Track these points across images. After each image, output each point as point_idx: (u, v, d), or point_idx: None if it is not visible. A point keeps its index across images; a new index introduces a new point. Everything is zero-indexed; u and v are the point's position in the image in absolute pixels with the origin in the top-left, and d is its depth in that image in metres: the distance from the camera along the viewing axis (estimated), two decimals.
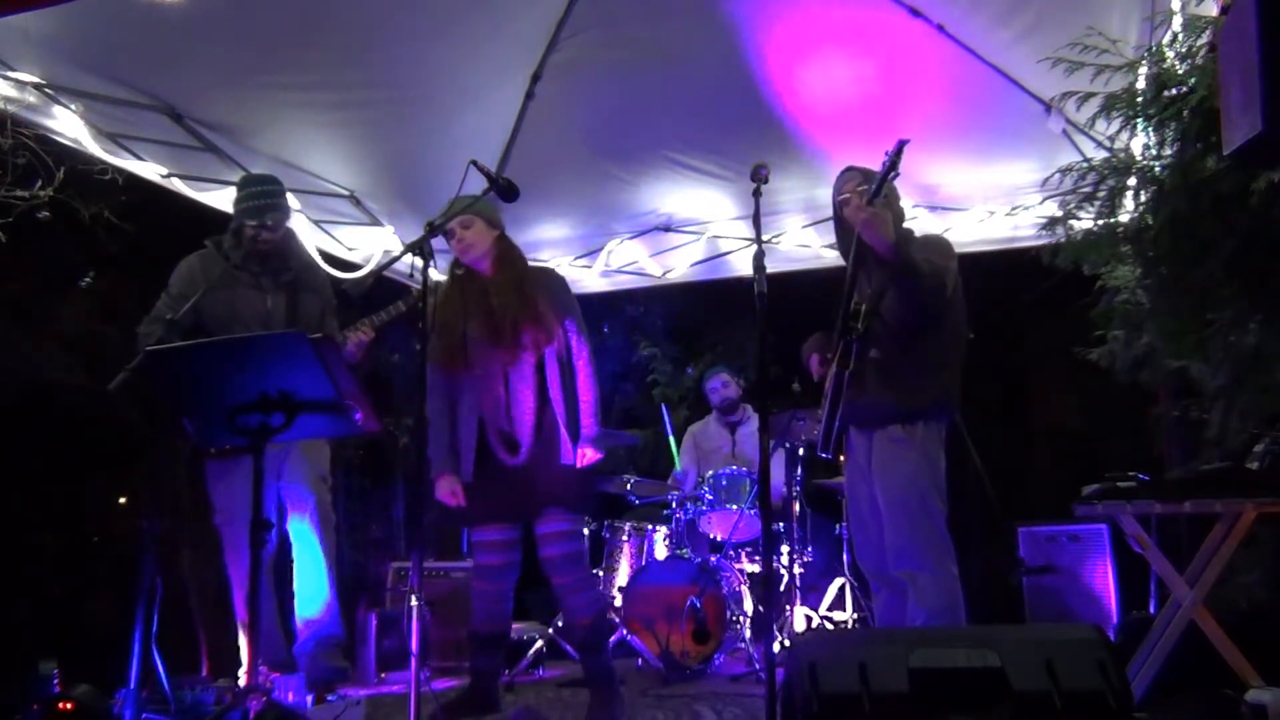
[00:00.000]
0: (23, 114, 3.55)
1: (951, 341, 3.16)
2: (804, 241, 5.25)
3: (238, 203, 3.64)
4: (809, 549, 4.86)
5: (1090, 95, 3.45)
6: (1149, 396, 4.40)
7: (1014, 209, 4.84)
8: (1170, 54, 3.26)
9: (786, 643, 4.25)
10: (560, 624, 4.45)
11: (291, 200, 3.91)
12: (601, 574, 4.71)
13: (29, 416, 4.91)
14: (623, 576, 4.68)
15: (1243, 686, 2.73)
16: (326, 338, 2.63)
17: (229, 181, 4.04)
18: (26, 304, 5.11)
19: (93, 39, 3.46)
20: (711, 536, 4.86)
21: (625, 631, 4.32)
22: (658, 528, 4.82)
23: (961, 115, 4.32)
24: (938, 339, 3.12)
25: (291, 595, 3.69)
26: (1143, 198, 3.45)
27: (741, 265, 5.48)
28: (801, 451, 4.72)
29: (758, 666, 4.10)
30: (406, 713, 2.53)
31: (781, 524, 4.68)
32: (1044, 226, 3.84)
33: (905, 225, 3.29)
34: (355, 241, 5.07)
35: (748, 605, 4.46)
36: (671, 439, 5.51)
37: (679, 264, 5.56)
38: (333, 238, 5.01)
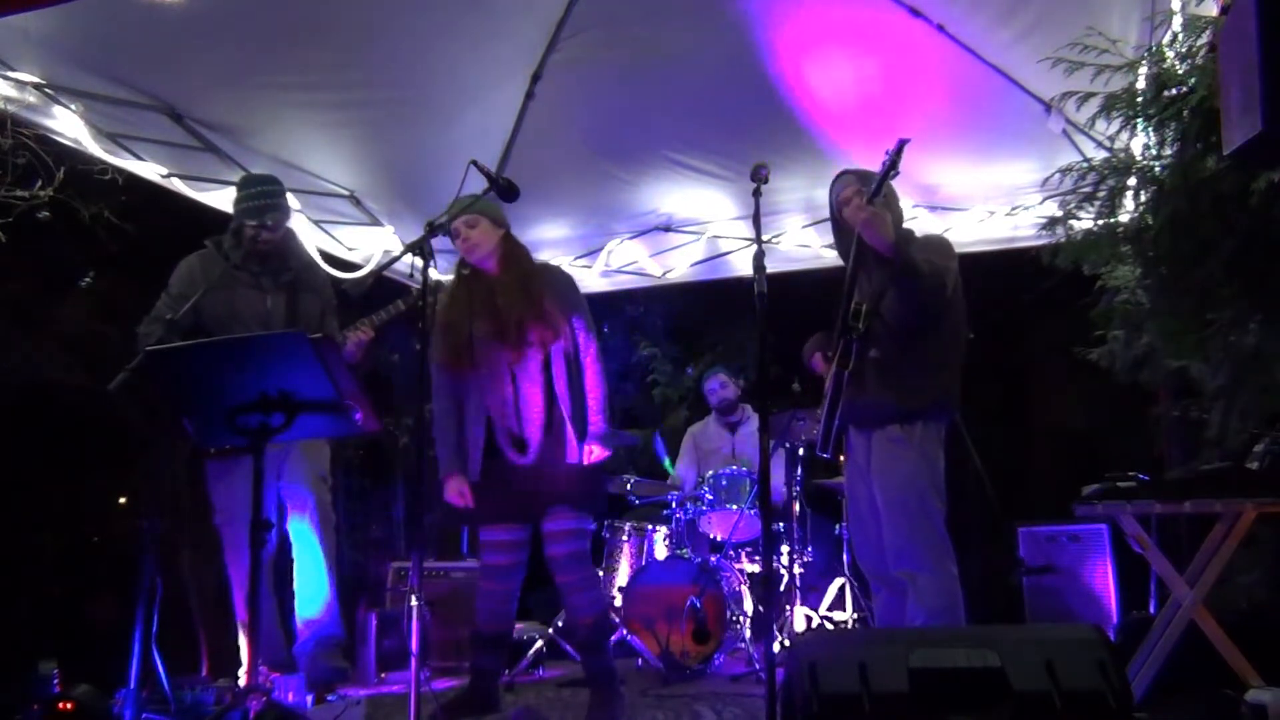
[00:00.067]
0: (23, 114, 3.55)
1: (951, 341, 3.16)
2: (804, 241, 5.25)
3: (238, 203, 3.64)
4: (809, 549, 4.86)
5: (1090, 95, 3.45)
6: (1149, 396, 4.41)
7: (1014, 209, 4.84)
8: (1170, 54, 3.26)
9: (786, 643, 4.25)
10: (561, 624, 4.45)
11: (291, 200, 3.91)
12: (602, 574, 4.71)
13: (29, 416, 4.92)
14: (623, 576, 4.68)
15: (1243, 686, 2.73)
16: (326, 338, 2.63)
17: (229, 181, 4.04)
18: (26, 304, 5.11)
19: (93, 39, 3.46)
20: (711, 536, 4.86)
21: (625, 631, 4.32)
22: (658, 528, 4.82)
23: (961, 115, 4.32)
24: (938, 339, 3.12)
25: (291, 595, 3.69)
26: (1143, 198, 3.45)
27: (741, 265, 5.48)
28: (801, 451, 4.71)
29: (758, 666, 4.10)
30: (406, 713, 2.53)
31: (781, 524, 4.68)
32: (1044, 226, 3.84)
33: (905, 225, 3.29)
34: (355, 241, 5.07)
35: (748, 605, 4.46)
36: (665, 461, 5.53)
37: (679, 264, 5.56)
38: (333, 238, 5.01)
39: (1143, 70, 3.36)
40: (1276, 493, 2.90)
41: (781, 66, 4.17)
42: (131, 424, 4.90)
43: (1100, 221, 3.63)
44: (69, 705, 2.76)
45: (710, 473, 4.87)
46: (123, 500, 5.74)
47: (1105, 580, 4.44)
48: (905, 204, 4.04)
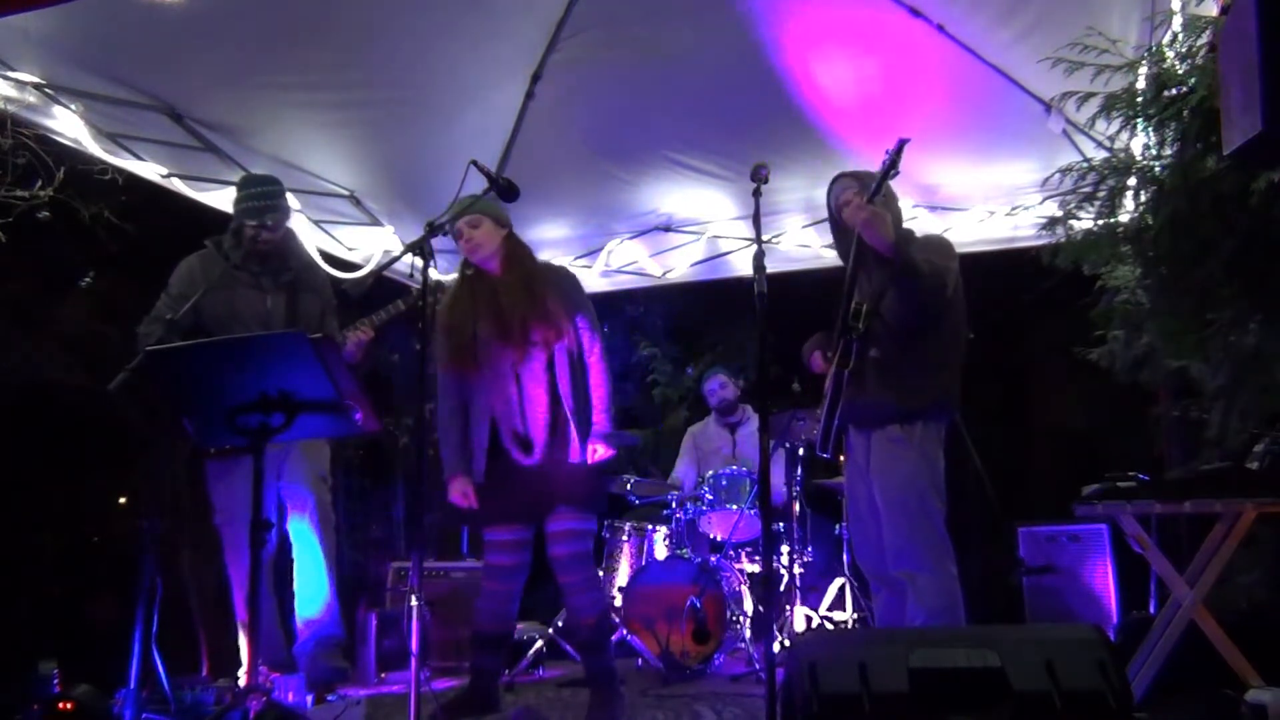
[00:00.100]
0: (23, 114, 3.55)
1: (951, 341, 3.16)
2: (804, 241, 5.25)
3: (238, 203, 3.64)
4: (809, 549, 4.86)
5: (1090, 95, 3.45)
6: (1149, 396, 4.41)
7: (1014, 209, 4.84)
8: (1170, 54, 3.26)
9: (786, 643, 4.25)
10: (561, 624, 4.45)
11: (291, 200, 3.91)
12: (602, 574, 4.71)
13: (29, 416, 4.92)
14: (623, 576, 4.68)
15: (1243, 686, 2.73)
16: (326, 338, 2.63)
17: (229, 181, 4.04)
18: (26, 304, 5.12)
19: (93, 39, 3.46)
20: (711, 536, 4.86)
21: (625, 631, 4.32)
22: (658, 528, 4.82)
23: (961, 115, 4.32)
24: (938, 339, 3.11)
25: (291, 595, 3.69)
26: (1143, 198, 3.45)
27: (741, 265, 5.48)
28: (801, 451, 4.71)
29: (758, 666, 4.10)
30: (406, 713, 2.53)
31: (781, 524, 4.68)
32: (1044, 226, 3.84)
33: (905, 225, 3.29)
34: (355, 241, 5.07)
35: (748, 605, 4.46)
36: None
37: (679, 264, 5.56)
38: (333, 238, 5.01)
39: (1143, 70, 3.36)
40: (1276, 493, 2.90)
41: (781, 66, 4.17)
42: (131, 424, 4.90)
43: (1100, 221, 3.63)
44: (69, 705, 2.76)
45: (710, 473, 4.87)
46: (123, 500, 5.74)
47: (1105, 580, 4.44)
48: (905, 204, 4.05)
